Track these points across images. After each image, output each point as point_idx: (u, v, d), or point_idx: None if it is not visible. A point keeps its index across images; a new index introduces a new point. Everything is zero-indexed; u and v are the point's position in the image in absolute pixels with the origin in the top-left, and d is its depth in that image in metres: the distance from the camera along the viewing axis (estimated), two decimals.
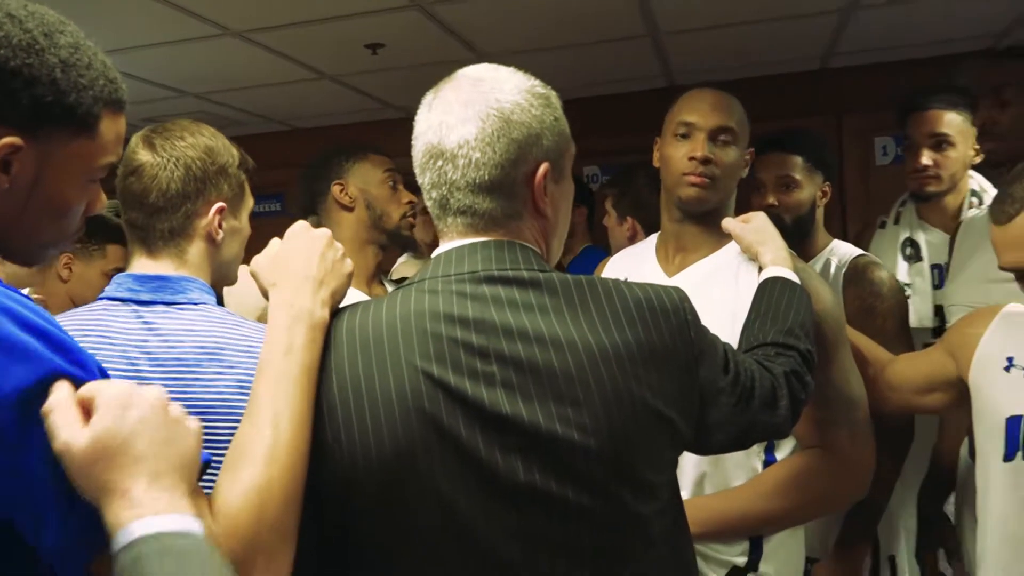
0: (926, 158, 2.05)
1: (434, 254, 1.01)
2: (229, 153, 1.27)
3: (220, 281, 1.33)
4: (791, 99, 3.31)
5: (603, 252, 2.53)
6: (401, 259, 2.97)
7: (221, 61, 2.82)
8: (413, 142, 1.00)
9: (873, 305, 1.88)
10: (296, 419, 0.88)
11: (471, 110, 0.95)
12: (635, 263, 1.67)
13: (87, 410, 0.72)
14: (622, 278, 1.68)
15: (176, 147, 1.22)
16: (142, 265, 1.22)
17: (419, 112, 1.01)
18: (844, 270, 1.95)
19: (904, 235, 2.20)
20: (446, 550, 0.89)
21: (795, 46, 3.01)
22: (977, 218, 1.93)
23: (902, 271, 2.13)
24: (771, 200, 1.99)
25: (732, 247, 1.53)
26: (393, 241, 2.00)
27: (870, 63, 3.24)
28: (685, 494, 1.43)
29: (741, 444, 1.11)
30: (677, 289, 1.03)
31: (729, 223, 1.49)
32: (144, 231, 1.21)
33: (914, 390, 1.57)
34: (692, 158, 1.49)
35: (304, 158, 2.12)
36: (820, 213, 2.06)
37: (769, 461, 1.46)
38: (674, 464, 1.03)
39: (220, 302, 1.26)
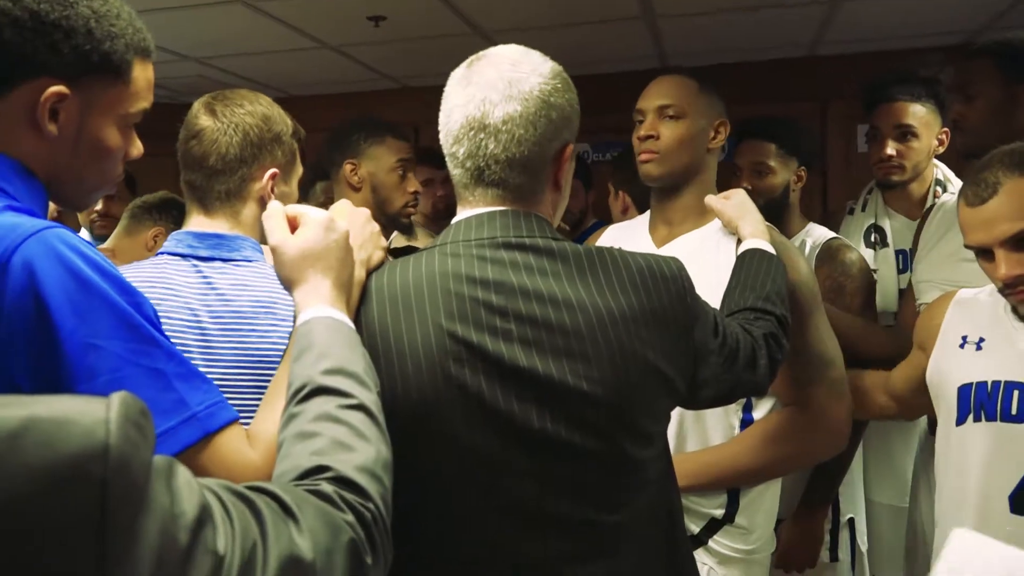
0: (890, 148, 2.18)
1: (455, 219, 1.09)
2: (284, 122, 1.35)
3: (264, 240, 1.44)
4: (779, 85, 3.40)
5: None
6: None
7: (227, 28, 2.87)
8: (447, 112, 1.06)
9: (843, 283, 2.01)
10: None
11: (515, 89, 1.03)
12: (629, 235, 1.79)
13: (293, 224, 0.95)
14: (615, 245, 1.81)
15: (236, 114, 1.30)
16: (199, 223, 1.31)
17: (453, 85, 1.07)
18: (818, 251, 2.07)
19: (869, 222, 2.33)
20: (466, 492, 0.99)
21: (785, 33, 3.10)
22: (948, 203, 2.05)
23: (867, 256, 2.24)
24: (745, 185, 2.12)
25: (715, 223, 1.64)
26: (390, 225, 2.09)
27: (856, 52, 3.34)
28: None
29: (727, 400, 1.23)
30: (675, 259, 1.14)
31: (711, 199, 1.60)
32: (202, 192, 1.30)
33: (913, 395, 1.67)
34: (638, 137, 1.65)
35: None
36: (795, 196, 2.19)
37: (747, 419, 1.58)
38: (668, 416, 1.13)
39: None
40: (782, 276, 1.42)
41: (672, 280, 1.08)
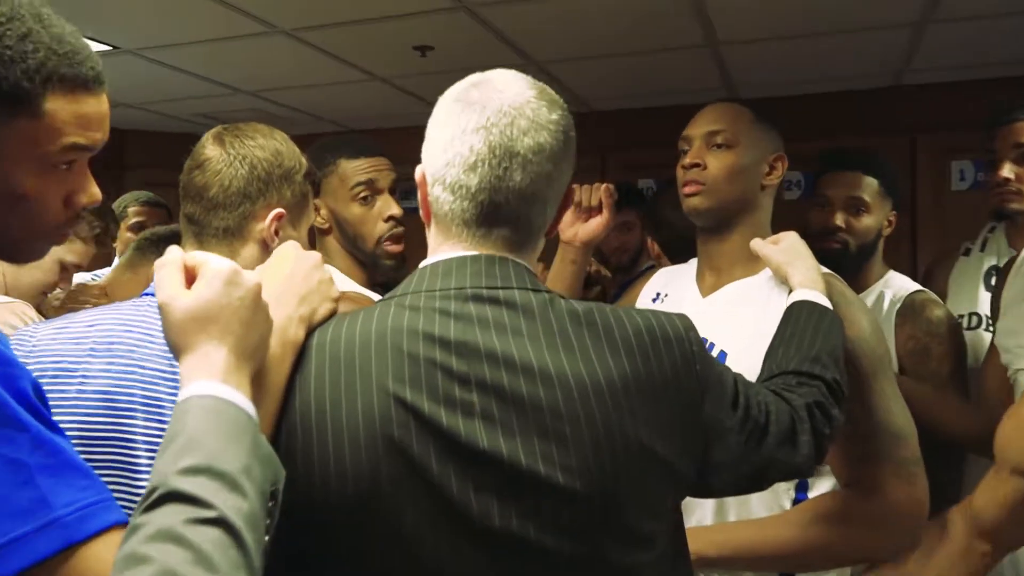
0: (1007, 171, 1.87)
1: (421, 264, 0.93)
2: (297, 160, 1.24)
3: None
4: (861, 117, 3.14)
5: None
6: None
7: (270, 59, 2.82)
8: (451, 138, 0.90)
9: (928, 346, 1.73)
10: None
11: (542, 117, 0.90)
12: (674, 280, 1.60)
13: (191, 275, 0.80)
14: (659, 292, 1.62)
15: (245, 145, 1.20)
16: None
17: (454, 109, 0.92)
18: (899, 306, 1.80)
19: (991, 263, 2.00)
20: None
21: (865, 61, 2.85)
22: None
23: (984, 302, 1.94)
24: (839, 221, 1.86)
25: (767, 271, 1.43)
26: (379, 271, 1.69)
27: (947, 81, 3.05)
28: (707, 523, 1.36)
29: (756, 486, 1.02)
30: (682, 317, 0.94)
31: (757, 243, 1.39)
32: (199, 226, 1.19)
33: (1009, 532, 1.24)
34: (683, 166, 1.46)
35: None
36: (882, 244, 1.92)
37: (799, 499, 1.35)
38: (674, 510, 0.93)
39: None
40: (837, 334, 1.20)
41: (676, 342, 0.90)
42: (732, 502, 1.36)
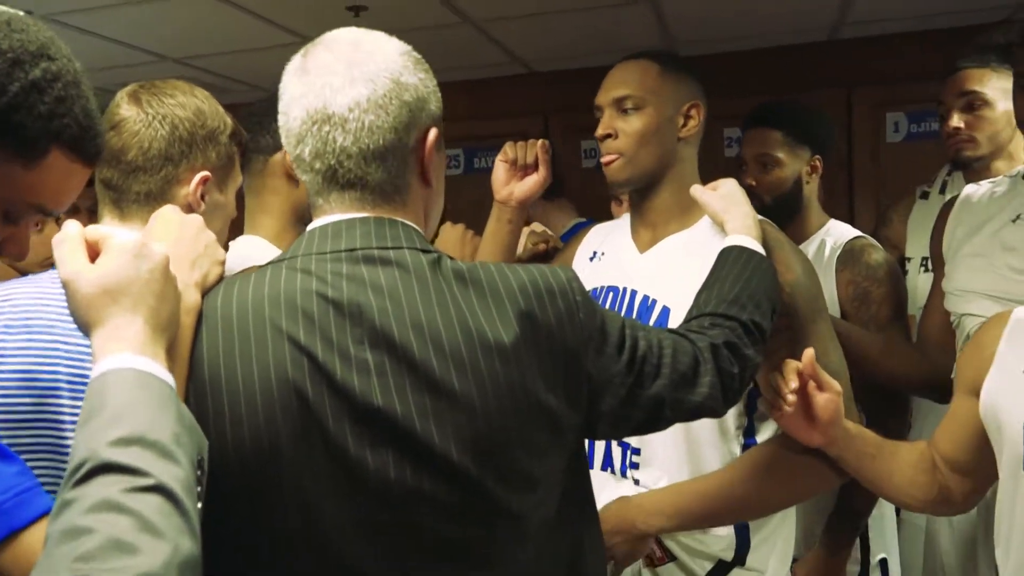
0: (956, 119, 1.91)
1: (308, 228, 0.94)
2: (222, 120, 1.18)
3: None
4: (798, 72, 3.14)
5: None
6: None
7: (194, 21, 2.69)
8: (284, 110, 0.92)
9: (868, 290, 1.75)
10: None
11: (358, 71, 0.89)
12: (609, 237, 1.59)
13: (94, 251, 0.77)
14: (595, 251, 1.60)
15: (164, 104, 1.13)
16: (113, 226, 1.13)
17: (287, 78, 0.94)
18: (839, 252, 1.82)
19: None
20: (304, 560, 0.83)
21: (802, 16, 2.84)
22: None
23: None
24: (750, 180, 1.88)
25: (704, 221, 1.43)
26: None
27: (883, 34, 3.07)
28: (663, 483, 1.36)
29: (653, 426, 1.04)
30: (565, 268, 0.98)
31: (696, 190, 1.39)
32: (117, 192, 1.12)
33: (973, 460, 1.27)
34: (596, 137, 1.45)
35: None
36: (811, 189, 1.93)
37: (748, 444, 1.38)
38: (561, 451, 0.95)
39: None
40: (764, 277, 1.22)
41: (560, 294, 0.93)
42: (684, 452, 1.37)
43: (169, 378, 0.73)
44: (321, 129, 0.89)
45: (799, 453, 1.32)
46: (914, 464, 1.33)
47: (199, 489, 0.70)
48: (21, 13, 0.80)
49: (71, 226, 0.79)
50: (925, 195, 2.13)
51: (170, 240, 0.90)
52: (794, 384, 1.21)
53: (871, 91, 3.12)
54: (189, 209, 1.13)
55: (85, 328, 0.75)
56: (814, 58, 3.17)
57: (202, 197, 1.14)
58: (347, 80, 0.89)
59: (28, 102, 0.76)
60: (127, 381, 0.69)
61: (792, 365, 1.23)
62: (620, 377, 0.97)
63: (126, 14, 2.57)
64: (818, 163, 1.92)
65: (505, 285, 0.90)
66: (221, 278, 0.94)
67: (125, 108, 1.12)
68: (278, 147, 1.70)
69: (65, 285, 0.76)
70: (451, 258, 0.92)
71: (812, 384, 1.23)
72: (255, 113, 1.68)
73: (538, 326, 0.89)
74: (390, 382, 0.83)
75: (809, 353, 1.21)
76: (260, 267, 0.92)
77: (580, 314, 0.93)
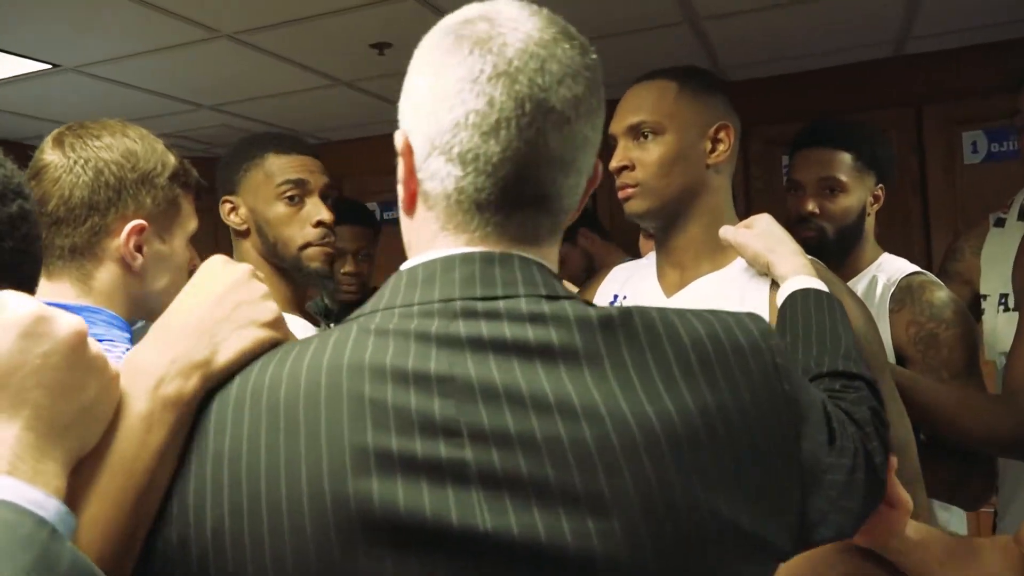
0: None
1: (400, 268, 0.69)
2: (158, 161, 1.05)
3: (147, 317, 1.12)
4: (860, 91, 2.91)
5: None
6: None
7: (221, 68, 2.65)
8: (465, 83, 0.65)
9: (935, 332, 1.50)
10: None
11: (576, 62, 0.66)
12: (633, 278, 1.39)
13: None
14: (616, 293, 1.42)
15: (88, 147, 1.02)
16: (38, 288, 1.02)
17: (465, 41, 0.66)
18: (892, 290, 1.58)
19: None
20: None
21: (861, 30, 2.62)
22: None
23: None
24: (811, 207, 1.65)
25: (739, 262, 1.23)
26: (300, 278, 1.49)
27: (952, 48, 2.81)
28: None
29: (847, 536, 0.78)
30: (754, 316, 0.71)
31: (728, 232, 1.19)
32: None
33: None
34: (611, 170, 1.26)
35: (339, 173, 1.81)
36: (871, 223, 1.70)
37: None
38: None
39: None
40: (849, 325, 0.99)
41: (752, 353, 0.66)
42: None
43: (51, 506, 0.54)
44: (533, 124, 0.67)
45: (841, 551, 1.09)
46: (998, 568, 1.08)
47: None
48: None
49: None
50: (1000, 222, 1.85)
51: (186, 307, 0.70)
52: None
53: (942, 108, 2.86)
54: (124, 264, 1.01)
55: None
56: (877, 75, 2.93)
57: (138, 249, 1.02)
58: (566, 70, 0.68)
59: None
60: None
61: None
62: (832, 473, 0.71)
63: (154, 62, 2.54)
64: (881, 193, 1.70)
65: (674, 341, 0.64)
66: (256, 345, 0.68)
67: (48, 153, 1.02)
68: (221, 197, 1.53)
69: None
70: (591, 304, 0.67)
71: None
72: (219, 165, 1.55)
73: (726, 406, 0.63)
74: (503, 491, 0.57)
75: (891, 463, 0.95)
76: (324, 333, 0.67)
77: (784, 384, 0.67)
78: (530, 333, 0.62)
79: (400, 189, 0.71)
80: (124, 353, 0.97)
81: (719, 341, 0.65)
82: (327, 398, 0.59)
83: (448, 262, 0.66)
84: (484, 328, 0.62)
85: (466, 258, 0.65)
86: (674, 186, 1.23)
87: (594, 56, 0.69)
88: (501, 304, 0.63)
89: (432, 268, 0.66)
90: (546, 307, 0.63)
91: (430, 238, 0.68)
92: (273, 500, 0.57)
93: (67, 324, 0.61)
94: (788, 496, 0.66)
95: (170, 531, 0.60)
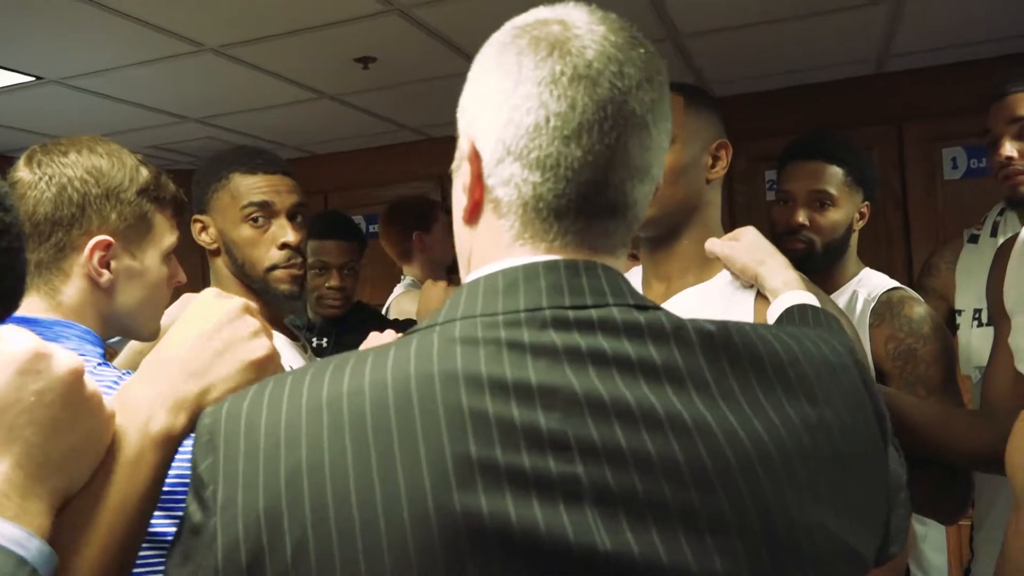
0: (1008, 148, 1.67)
1: (469, 278, 0.66)
2: (127, 176, 1.05)
3: (122, 333, 1.12)
4: (842, 108, 2.94)
5: None
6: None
7: (207, 81, 2.66)
8: (543, 84, 0.62)
9: (913, 347, 1.51)
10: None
11: (652, 66, 0.66)
12: None
13: None
14: None
15: (54, 163, 1.02)
16: None
17: (540, 42, 0.64)
18: (873, 305, 1.59)
19: None
20: None
21: (841, 47, 2.65)
22: None
23: None
24: (802, 219, 1.66)
25: (723, 275, 1.24)
26: (268, 300, 1.48)
27: (932, 65, 2.85)
28: None
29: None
30: (836, 333, 0.71)
31: (714, 244, 1.20)
32: None
33: None
34: None
35: (325, 186, 1.80)
36: (855, 239, 1.71)
37: None
38: None
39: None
40: None
41: (843, 370, 0.66)
42: None
43: (33, 545, 0.53)
44: (613, 130, 0.66)
45: None
46: None
47: None
48: None
49: None
50: (974, 239, 1.88)
51: (175, 342, 0.70)
52: None
53: (923, 125, 2.89)
54: (92, 280, 1.01)
55: None
56: (859, 93, 2.96)
57: (106, 265, 1.02)
58: (642, 74, 0.67)
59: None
60: None
61: None
62: (905, 491, 0.72)
63: (138, 75, 2.54)
64: (866, 210, 1.72)
65: (773, 360, 0.62)
66: (247, 380, 0.68)
67: (20, 170, 1.03)
68: (192, 216, 1.53)
69: None
70: (678, 316, 0.64)
71: None
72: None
73: (827, 424, 0.62)
74: (619, 509, 0.54)
75: None
76: (399, 340, 0.63)
77: (874, 402, 0.67)
78: (628, 346, 0.60)
79: (461, 197, 0.67)
80: (96, 368, 0.97)
81: (812, 358, 0.65)
82: (421, 409, 0.55)
83: (531, 270, 0.62)
84: (579, 338, 0.59)
85: (550, 266, 0.62)
86: (677, 196, 1.23)
87: (664, 61, 0.68)
88: (593, 313, 0.61)
89: (513, 276, 0.62)
90: (640, 317, 0.61)
91: (504, 247, 0.65)
92: (368, 517, 0.53)
93: (64, 362, 0.60)
94: (880, 512, 0.67)
95: (236, 554, 0.55)
